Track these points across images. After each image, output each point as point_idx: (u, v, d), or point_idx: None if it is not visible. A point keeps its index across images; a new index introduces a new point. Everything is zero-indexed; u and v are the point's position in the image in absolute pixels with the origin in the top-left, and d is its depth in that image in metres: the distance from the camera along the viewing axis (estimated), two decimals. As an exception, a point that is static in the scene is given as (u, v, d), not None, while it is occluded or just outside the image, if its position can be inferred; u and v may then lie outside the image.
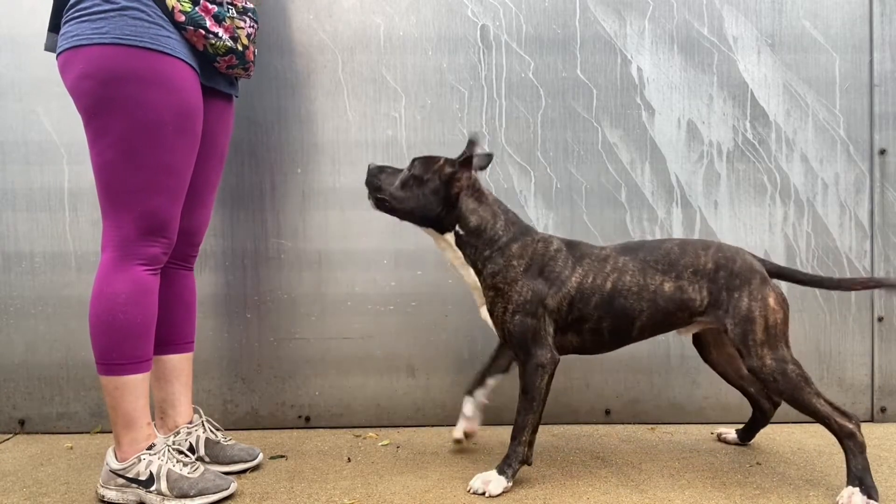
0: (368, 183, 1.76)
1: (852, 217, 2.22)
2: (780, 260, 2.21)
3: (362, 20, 2.18)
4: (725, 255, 1.65)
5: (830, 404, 1.56)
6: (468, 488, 1.63)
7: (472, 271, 1.73)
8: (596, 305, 1.64)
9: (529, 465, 1.69)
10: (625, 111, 2.20)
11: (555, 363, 1.64)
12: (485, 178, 2.19)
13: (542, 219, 2.21)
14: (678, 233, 2.21)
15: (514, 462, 1.63)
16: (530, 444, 1.65)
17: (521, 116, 2.20)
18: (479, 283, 1.72)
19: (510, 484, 1.62)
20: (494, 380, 1.89)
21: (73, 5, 1.52)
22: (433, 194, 1.69)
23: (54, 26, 1.62)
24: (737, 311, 1.60)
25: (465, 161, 1.67)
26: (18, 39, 2.13)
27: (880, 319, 2.22)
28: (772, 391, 1.61)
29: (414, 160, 1.73)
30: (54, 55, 1.59)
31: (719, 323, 1.63)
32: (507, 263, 1.66)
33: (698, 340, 1.91)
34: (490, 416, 2.02)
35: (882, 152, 2.20)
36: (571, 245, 1.72)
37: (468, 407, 1.89)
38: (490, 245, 1.68)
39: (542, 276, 1.65)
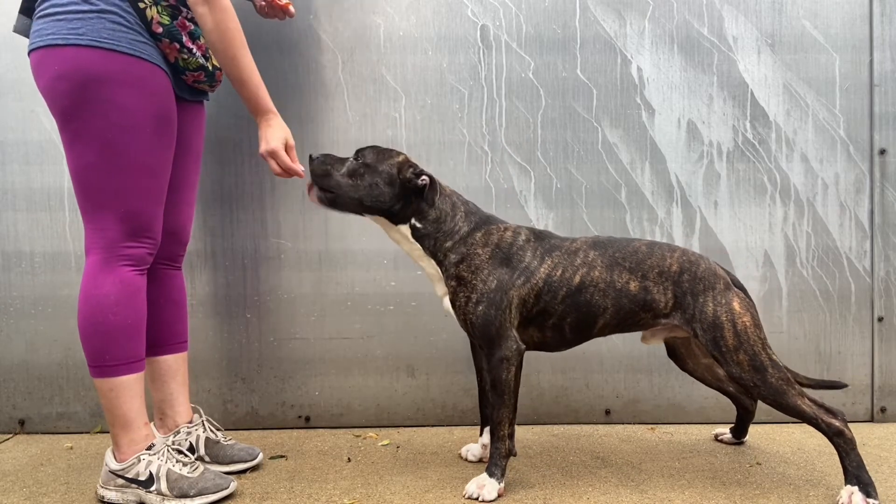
0: (316, 171, 1.64)
1: (852, 217, 2.22)
2: (780, 260, 2.21)
3: (362, 20, 2.18)
4: (689, 258, 1.66)
5: (815, 403, 1.56)
6: (464, 493, 1.61)
7: (432, 261, 1.69)
8: (562, 299, 1.63)
9: (515, 455, 1.69)
10: (625, 111, 2.20)
11: (520, 354, 1.62)
12: (485, 179, 2.19)
13: (542, 219, 2.21)
14: (678, 233, 2.21)
15: (500, 459, 1.62)
16: (511, 436, 1.64)
17: (521, 116, 2.20)
18: (440, 273, 1.69)
19: (502, 485, 1.61)
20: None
21: None
22: (387, 185, 1.64)
23: (26, 9, 1.59)
24: (703, 316, 1.60)
25: (425, 175, 1.64)
26: (18, 39, 2.12)
27: (880, 319, 2.22)
28: (756, 397, 1.61)
29: (362, 149, 1.68)
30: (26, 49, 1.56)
31: (687, 327, 1.63)
32: (471, 251, 1.64)
33: (672, 352, 1.92)
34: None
35: (882, 152, 2.20)
36: (540, 236, 1.70)
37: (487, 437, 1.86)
38: (450, 236, 1.66)
39: (508, 266, 1.63)
